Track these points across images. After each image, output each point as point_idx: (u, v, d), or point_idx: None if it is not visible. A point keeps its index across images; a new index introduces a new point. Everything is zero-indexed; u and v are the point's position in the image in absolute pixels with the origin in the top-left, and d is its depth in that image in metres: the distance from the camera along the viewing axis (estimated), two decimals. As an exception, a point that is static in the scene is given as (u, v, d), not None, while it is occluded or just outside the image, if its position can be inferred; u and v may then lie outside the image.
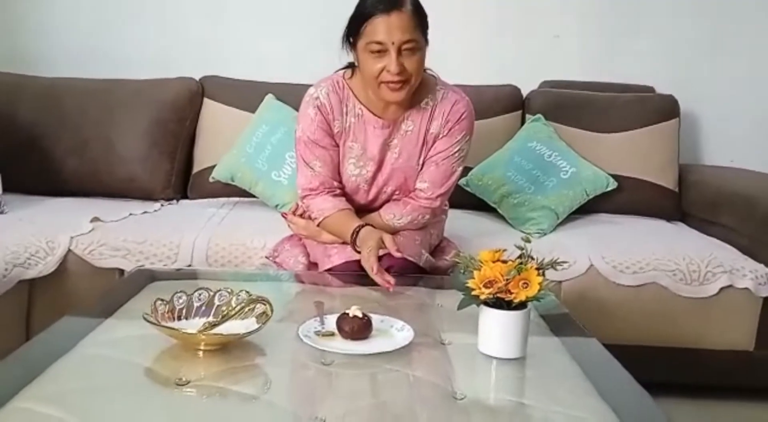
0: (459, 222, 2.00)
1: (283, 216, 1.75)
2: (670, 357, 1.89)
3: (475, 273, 1.10)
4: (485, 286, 1.08)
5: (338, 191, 1.65)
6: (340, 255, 1.57)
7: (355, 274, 1.54)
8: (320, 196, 1.63)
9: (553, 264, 1.13)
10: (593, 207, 2.28)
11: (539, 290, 1.06)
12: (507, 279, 1.06)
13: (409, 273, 1.56)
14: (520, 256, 1.15)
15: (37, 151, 2.27)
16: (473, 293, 1.09)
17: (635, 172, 2.35)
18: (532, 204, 2.15)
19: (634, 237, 2.06)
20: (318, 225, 1.63)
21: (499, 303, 1.09)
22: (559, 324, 1.33)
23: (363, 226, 1.55)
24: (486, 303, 1.10)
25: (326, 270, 1.58)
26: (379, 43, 1.47)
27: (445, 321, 1.33)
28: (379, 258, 1.54)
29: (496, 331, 1.10)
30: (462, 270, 1.15)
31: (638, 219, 2.30)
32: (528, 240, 1.16)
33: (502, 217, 2.21)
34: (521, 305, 1.10)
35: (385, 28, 1.45)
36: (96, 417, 0.88)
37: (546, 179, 2.21)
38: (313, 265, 1.68)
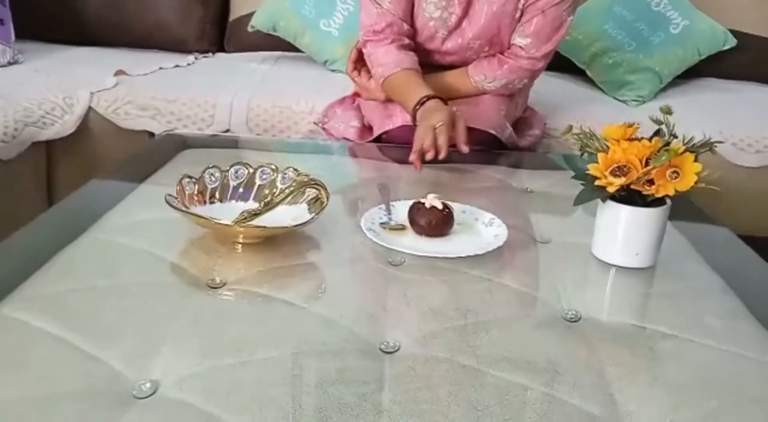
0: (540, 87, 1.66)
1: (350, 76, 1.43)
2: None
3: (600, 156, 0.81)
4: (613, 174, 0.80)
5: (407, 41, 1.32)
6: (404, 116, 1.28)
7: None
8: (384, 45, 1.31)
9: (710, 146, 0.83)
10: (705, 70, 1.91)
11: (696, 182, 0.77)
12: (652, 166, 0.77)
13: (488, 148, 1.28)
14: (656, 132, 0.85)
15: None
16: (597, 183, 0.80)
17: (758, 27, 1.95)
18: (632, 64, 1.79)
19: (756, 109, 1.75)
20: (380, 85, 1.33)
21: (630, 196, 0.82)
22: (683, 213, 1.04)
23: (432, 97, 1.22)
24: (612, 197, 0.82)
25: (382, 135, 1.31)
26: None
27: (538, 212, 1.07)
28: None
29: (623, 233, 0.83)
30: (581, 152, 0.86)
31: (760, 86, 1.94)
32: (669, 112, 0.86)
33: (589, 81, 1.86)
34: (658, 200, 0.82)
35: None
36: (104, 335, 0.67)
37: (651, 34, 1.82)
38: (366, 130, 1.41)
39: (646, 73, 1.79)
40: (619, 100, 1.78)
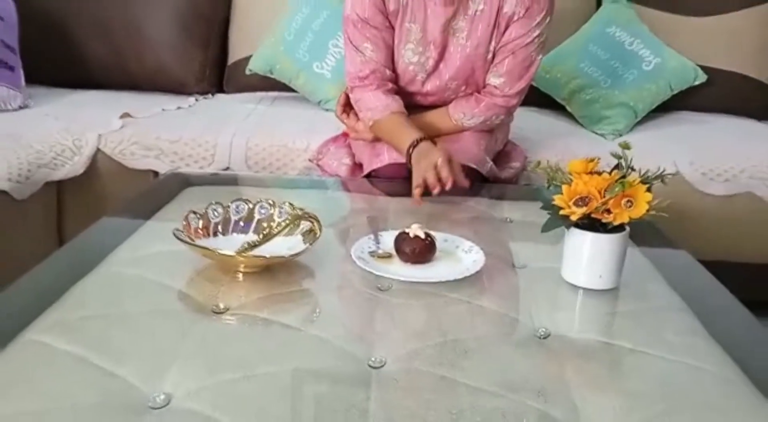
0: (522, 122, 1.77)
1: (340, 119, 1.53)
2: (765, 274, 1.70)
3: (564, 188, 0.91)
4: (576, 204, 0.89)
5: (391, 85, 1.43)
6: (390, 155, 1.38)
7: (406, 181, 1.35)
8: (370, 91, 1.41)
9: (662, 178, 0.92)
10: (677, 104, 2.01)
11: (648, 211, 0.86)
12: (607, 197, 0.86)
13: (470, 181, 1.37)
14: (616, 166, 0.94)
15: (59, 37, 2.09)
16: (562, 213, 0.90)
17: (728, 63, 2.06)
18: (608, 100, 1.89)
19: (725, 140, 1.83)
20: (369, 128, 1.43)
21: (591, 224, 0.91)
22: (645, 235, 1.13)
23: (423, 139, 1.33)
24: (576, 225, 0.91)
25: (372, 172, 1.40)
26: None
27: (517, 240, 1.15)
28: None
29: (587, 258, 0.92)
30: (547, 185, 0.96)
31: (729, 118, 2.04)
32: (627, 147, 0.95)
33: (570, 116, 1.97)
34: (618, 227, 0.91)
35: None
36: (120, 354, 0.75)
37: (625, 71, 1.94)
38: (357, 167, 1.50)
39: (622, 108, 1.89)
40: (597, 133, 1.88)
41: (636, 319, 0.91)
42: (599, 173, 0.92)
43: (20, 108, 1.86)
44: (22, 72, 1.90)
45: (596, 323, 0.92)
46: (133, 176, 1.69)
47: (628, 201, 0.87)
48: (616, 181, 0.87)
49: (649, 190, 0.89)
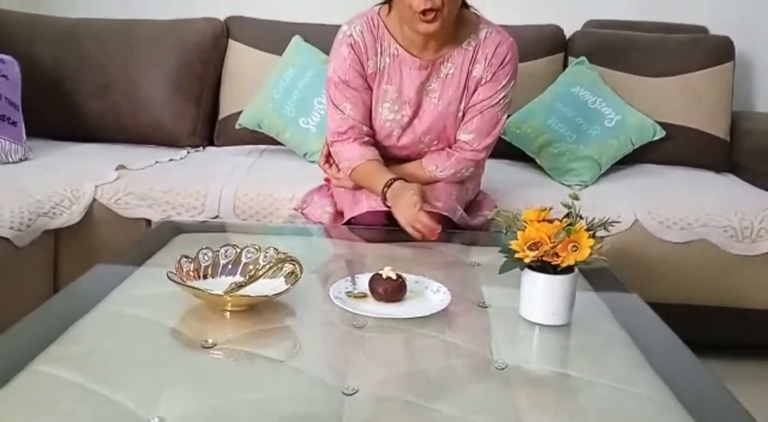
0: (495, 174, 1.90)
1: (323, 169, 1.66)
2: (720, 316, 1.81)
3: (519, 234, 1.02)
4: (529, 248, 1.00)
5: (367, 138, 1.55)
6: (369, 203, 1.49)
7: (383, 228, 1.47)
8: (348, 143, 1.54)
9: (605, 225, 1.04)
10: (639, 157, 2.15)
11: (590, 254, 0.97)
12: (554, 242, 0.97)
13: (442, 228, 1.48)
14: (567, 215, 1.06)
15: (59, 94, 2.21)
16: (516, 256, 1.01)
17: (684, 119, 2.21)
18: (574, 154, 2.03)
19: (682, 191, 1.95)
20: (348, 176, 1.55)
21: (544, 266, 1.01)
22: (602, 281, 1.24)
23: (396, 179, 1.46)
24: (530, 267, 1.02)
25: (351, 219, 1.51)
26: None
27: (483, 282, 1.26)
28: None
29: (541, 296, 1.02)
30: (504, 231, 1.07)
31: (686, 170, 2.17)
32: (576, 198, 1.07)
33: (540, 168, 2.10)
34: (568, 269, 1.02)
35: None
36: (117, 383, 0.84)
37: (589, 127, 2.08)
38: (339, 215, 1.61)
39: (587, 161, 2.03)
40: (564, 184, 2.00)
41: (586, 352, 1.01)
42: (551, 221, 1.04)
43: (21, 160, 1.96)
44: (23, 126, 2.01)
45: (549, 355, 1.02)
46: (127, 224, 1.78)
47: (573, 246, 0.98)
48: (563, 228, 0.99)
49: (593, 236, 1.01)
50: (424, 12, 1.38)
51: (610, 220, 1.05)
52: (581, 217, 1.05)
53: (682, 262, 1.76)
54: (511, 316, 1.08)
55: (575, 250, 0.98)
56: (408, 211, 1.39)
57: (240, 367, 0.93)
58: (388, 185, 1.46)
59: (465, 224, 1.56)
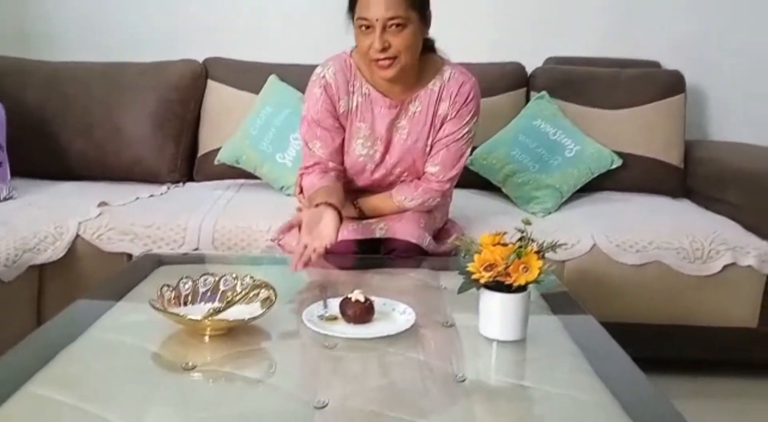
0: (463, 203, 2.00)
1: (298, 199, 1.73)
2: (674, 334, 1.91)
3: (476, 256, 1.11)
4: (485, 270, 1.09)
5: (332, 173, 1.64)
6: (341, 233, 1.55)
7: (354, 256, 1.57)
8: (311, 176, 1.63)
9: (553, 247, 1.14)
10: (598, 185, 2.27)
11: (539, 274, 1.07)
12: (506, 263, 1.07)
13: (412, 255, 1.58)
14: (520, 239, 1.16)
15: (44, 135, 2.28)
16: (473, 277, 1.10)
17: (640, 149, 2.34)
18: (537, 183, 2.15)
19: (638, 216, 2.06)
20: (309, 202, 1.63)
21: (499, 286, 1.11)
22: (560, 303, 1.34)
23: (333, 206, 1.47)
24: (486, 286, 1.11)
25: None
26: (364, 18, 1.47)
27: (448, 304, 1.34)
28: (382, 241, 1.57)
29: (496, 314, 1.11)
30: (463, 254, 1.16)
31: (643, 196, 2.30)
32: (528, 223, 1.17)
33: (506, 197, 2.21)
34: (521, 288, 1.11)
35: (370, 3, 1.46)
36: (106, 402, 0.90)
37: (551, 158, 2.20)
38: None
39: (549, 189, 2.15)
40: (529, 212, 2.11)
41: (539, 364, 1.10)
42: (505, 245, 1.13)
43: (5, 199, 2.02)
44: (8, 166, 2.08)
45: (505, 368, 1.11)
46: (109, 259, 1.84)
47: (524, 267, 1.08)
48: (514, 251, 1.08)
49: (543, 257, 1.10)
50: (377, 60, 1.49)
51: (558, 243, 1.15)
52: (533, 240, 1.15)
53: (638, 283, 1.86)
54: (473, 334, 1.16)
55: (526, 271, 1.07)
56: (323, 235, 1.41)
57: (219, 387, 1.00)
58: (325, 204, 1.47)
59: (433, 251, 1.65)
